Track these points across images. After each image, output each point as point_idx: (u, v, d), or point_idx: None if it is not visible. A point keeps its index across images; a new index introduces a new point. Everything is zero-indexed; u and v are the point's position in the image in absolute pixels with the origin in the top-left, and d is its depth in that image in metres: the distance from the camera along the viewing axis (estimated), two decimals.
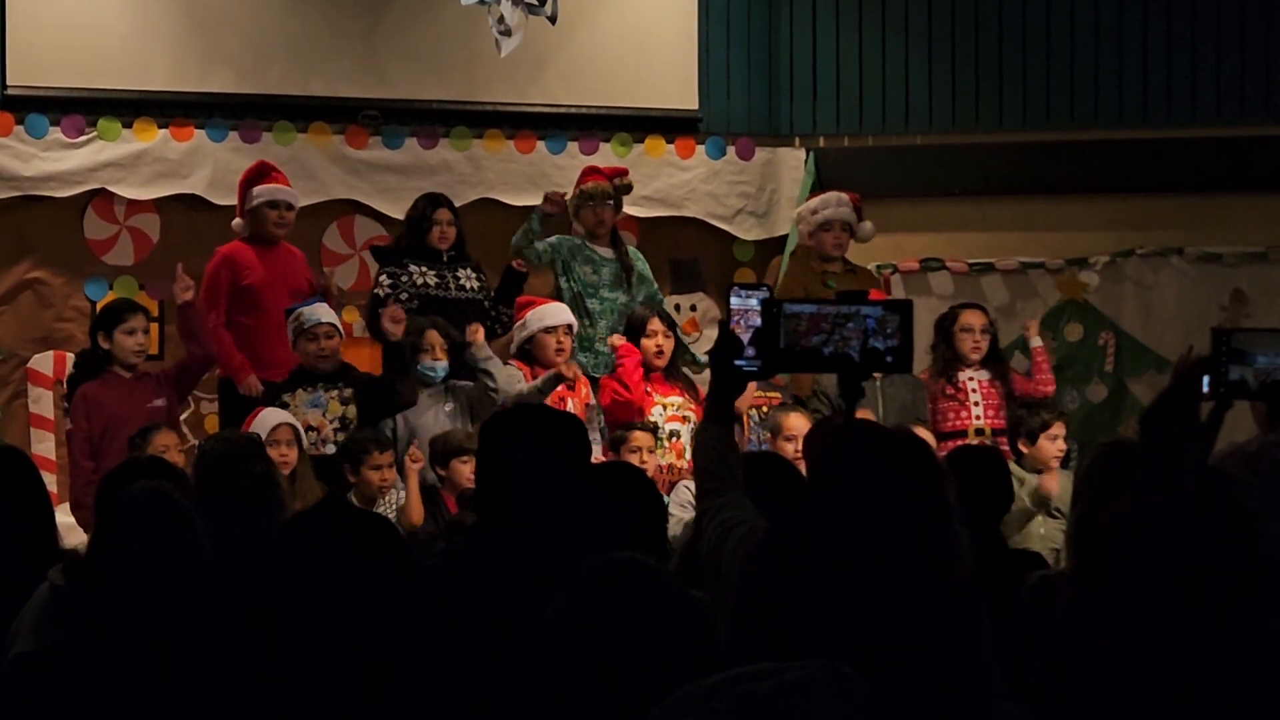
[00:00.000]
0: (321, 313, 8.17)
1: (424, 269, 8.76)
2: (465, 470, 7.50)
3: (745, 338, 3.80)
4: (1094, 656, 2.82)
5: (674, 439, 8.34)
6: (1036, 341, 9.31)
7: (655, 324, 8.59)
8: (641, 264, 9.29)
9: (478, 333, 8.29)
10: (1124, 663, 2.80)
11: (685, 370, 8.86)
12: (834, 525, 2.38)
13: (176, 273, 8.29)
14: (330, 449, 7.86)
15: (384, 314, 8.16)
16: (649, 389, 8.51)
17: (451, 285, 8.78)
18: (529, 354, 8.50)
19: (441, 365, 8.20)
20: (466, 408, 8.22)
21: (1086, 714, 2.83)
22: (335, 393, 8.04)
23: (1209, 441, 2.94)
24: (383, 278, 8.74)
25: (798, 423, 7.93)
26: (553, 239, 9.05)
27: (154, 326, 8.93)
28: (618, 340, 8.56)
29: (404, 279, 8.66)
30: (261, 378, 8.40)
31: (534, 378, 8.35)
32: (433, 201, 9.00)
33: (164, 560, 4.01)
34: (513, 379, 8.27)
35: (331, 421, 7.94)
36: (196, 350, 8.22)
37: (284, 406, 7.87)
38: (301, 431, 7.63)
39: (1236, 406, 3.76)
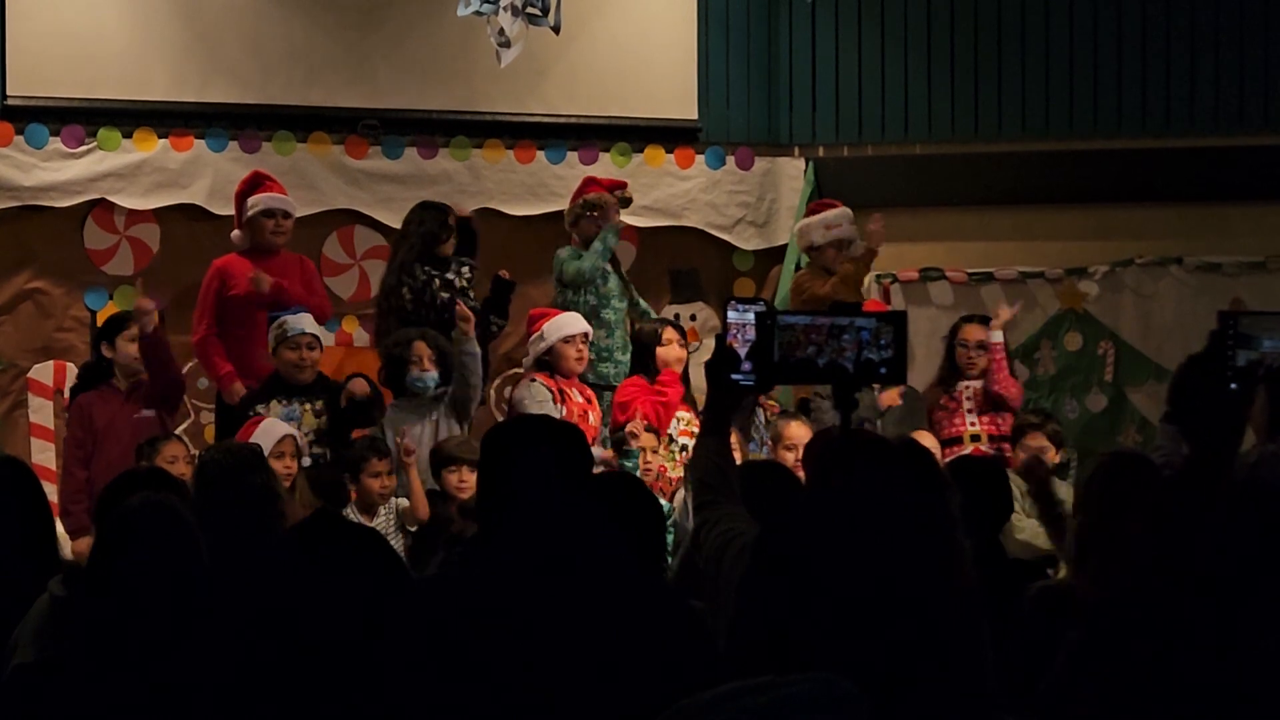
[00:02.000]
0: (305, 323, 8.18)
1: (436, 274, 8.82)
2: (452, 480, 7.50)
3: (742, 352, 3.82)
4: (1129, 665, 2.81)
5: (684, 452, 8.30)
6: (996, 336, 8.97)
7: (670, 333, 8.60)
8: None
9: (469, 321, 8.19)
10: (1161, 670, 2.80)
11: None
12: (834, 534, 2.37)
13: (138, 299, 8.26)
14: (305, 461, 7.83)
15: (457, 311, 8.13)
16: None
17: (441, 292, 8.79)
18: (548, 365, 8.45)
19: (431, 376, 8.15)
20: (450, 411, 8.19)
21: None
22: (309, 405, 8.03)
23: (1241, 419, 2.92)
24: (404, 290, 8.73)
25: (798, 431, 7.92)
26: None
27: None
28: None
29: (432, 285, 8.69)
30: (251, 386, 8.43)
31: (557, 388, 8.33)
32: (439, 210, 9.00)
33: (165, 571, 4.00)
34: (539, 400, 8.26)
35: (306, 434, 7.90)
36: (159, 381, 8.16)
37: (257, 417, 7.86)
38: (301, 443, 7.63)
39: None
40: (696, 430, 8.26)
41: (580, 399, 8.41)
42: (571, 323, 8.50)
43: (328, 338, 9.03)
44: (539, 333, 8.47)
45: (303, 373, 8.09)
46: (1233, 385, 2.95)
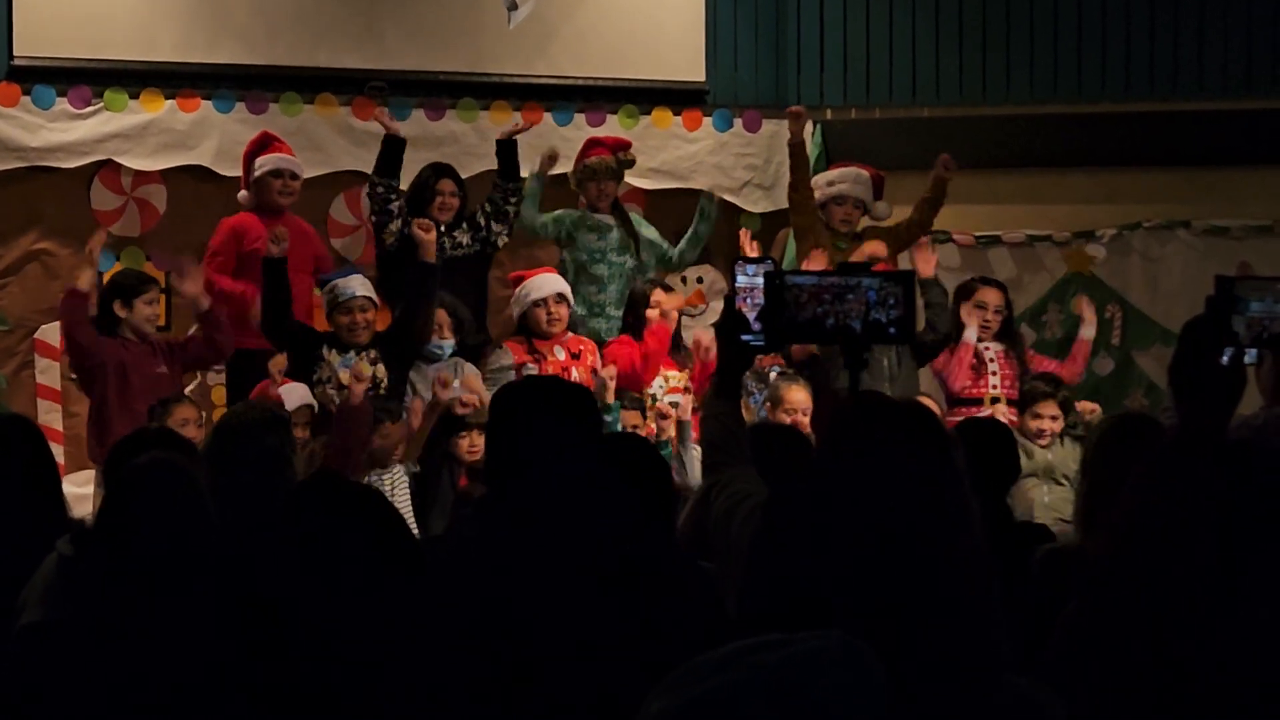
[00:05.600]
0: (356, 285, 8.15)
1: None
2: (463, 444, 7.52)
3: (751, 314, 3.81)
4: (1122, 631, 2.81)
5: (676, 409, 8.30)
6: (1089, 331, 9.10)
7: (659, 295, 8.59)
8: (647, 229, 9.31)
9: (429, 230, 8.33)
10: (1153, 636, 2.80)
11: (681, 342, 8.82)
12: (843, 495, 2.38)
13: (186, 270, 8.25)
14: None
15: (414, 223, 8.24)
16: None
17: (447, 246, 8.75)
18: (528, 328, 8.50)
19: (449, 344, 8.21)
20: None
21: (1110, 690, 2.82)
22: (365, 353, 8.01)
23: (1235, 386, 2.91)
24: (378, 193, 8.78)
25: (798, 396, 7.89)
26: (555, 213, 9.09)
27: (160, 297, 8.91)
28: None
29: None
30: (259, 346, 8.43)
31: (530, 351, 8.36)
32: (437, 171, 9.00)
33: (172, 532, 4.01)
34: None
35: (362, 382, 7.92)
36: (215, 345, 8.21)
37: (319, 359, 7.90)
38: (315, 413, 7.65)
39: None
40: (686, 388, 8.33)
41: (562, 357, 8.42)
42: (539, 285, 8.50)
43: None
44: (515, 296, 8.53)
45: (357, 335, 8.07)
46: (1227, 350, 2.95)
